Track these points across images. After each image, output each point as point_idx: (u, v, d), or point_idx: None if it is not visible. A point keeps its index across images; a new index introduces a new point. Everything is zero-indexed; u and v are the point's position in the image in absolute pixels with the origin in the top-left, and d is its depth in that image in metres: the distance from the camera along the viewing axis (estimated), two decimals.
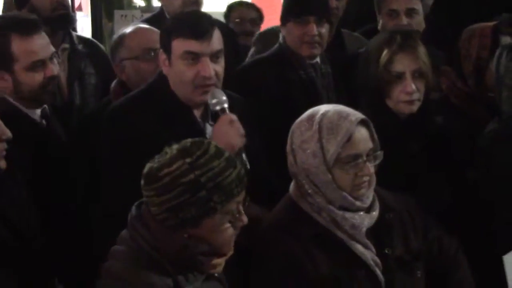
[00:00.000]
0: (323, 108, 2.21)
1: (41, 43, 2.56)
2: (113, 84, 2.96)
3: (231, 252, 1.93)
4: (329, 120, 2.15)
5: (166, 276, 1.83)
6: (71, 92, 3.28)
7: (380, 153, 2.19)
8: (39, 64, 2.53)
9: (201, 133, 2.38)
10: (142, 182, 1.85)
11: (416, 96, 2.54)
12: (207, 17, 2.47)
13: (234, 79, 2.98)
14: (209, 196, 1.80)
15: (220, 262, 1.92)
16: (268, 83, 3.00)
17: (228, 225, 1.85)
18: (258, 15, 4.64)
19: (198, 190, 1.79)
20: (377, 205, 2.22)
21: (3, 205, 1.88)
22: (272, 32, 3.85)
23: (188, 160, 1.81)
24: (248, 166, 2.32)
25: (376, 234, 2.20)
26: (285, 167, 2.31)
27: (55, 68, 2.60)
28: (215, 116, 2.41)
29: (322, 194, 2.16)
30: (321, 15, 3.03)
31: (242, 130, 2.36)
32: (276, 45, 3.16)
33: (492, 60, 2.73)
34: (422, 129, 2.59)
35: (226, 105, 2.40)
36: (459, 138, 2.66)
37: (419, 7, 3.35)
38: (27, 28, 2.54)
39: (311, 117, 2.19)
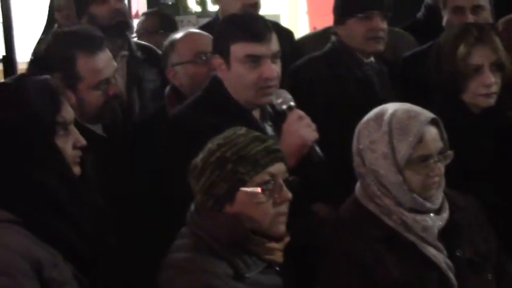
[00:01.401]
0: (391, 107, 2.16)
1: (106, 61, 2.54)
2: (167, 90, 2.97)
3: (287, 238, 1.97)
4: (399, 120, 2.10)
5: (226, 264, 1.89)
6: (130, 98, 3.31)
7: (450, 153, 2.13)
8: (104, 83, 2.52)
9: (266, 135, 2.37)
10: (189, 178, 1.96)
11: (494, 88, 2.51)
12: (262, 18, 2.48)
13: (289, 78, 2.97)
14: (235, 168, 1.89)
15: (277, 247, 1.96)
16: (323, 82, 2.97)
17: (263, 198, 1.90)
18: None
19: (224, 164, 1.89)
20: (446, 206, 2.17)
21: (74, 211, 1.89)
22: None
23: (216, 142, 1.93)
24: (323, 159, 2.33)
25: (445, 235, 2.15)
26: (340, 168, 2.28)
27: (118, 85, 2.62)
28: (282, 116, 2.40)
29: (391, 196, 2.11)
30: (384, 9, 2.99)
31: (313, 125, 2.36)
32: (328, 45, 3.11)
33: None
34: (495, 124, 2.54)
35: (292, 103, 2.40)
36: None
37: (485, 3, 3.24)
38: (92, 46, 2.51)
39: (379, 117, 2.14)
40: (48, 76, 2.03)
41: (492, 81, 2.49)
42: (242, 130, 1.97)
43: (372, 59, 3.06)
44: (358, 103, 2.83)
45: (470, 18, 3.18)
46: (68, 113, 1.98)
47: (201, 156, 1.95)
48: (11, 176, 1.85)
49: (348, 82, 2.99)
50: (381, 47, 3.00)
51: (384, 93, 3.00)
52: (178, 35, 2.97)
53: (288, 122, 2.35)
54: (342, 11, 3.05)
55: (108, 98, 2.54)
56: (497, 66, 2.51)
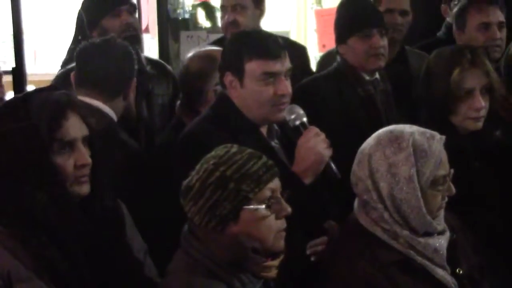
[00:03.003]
0: (405, 129, 2.14)
1: None
2: (178, 105, 2.96)
3: (282, 254, 1.96)
4: (421, 142, 2.09)
5: (223, 285, 1.88)
6: (139, 112, 3.32)
7: (452, 172, 2.15)
8: None
9: (272, 151, 2.37)
10: (181, 200, 1.93)
11: (483, 112, 2.54)
12: (273, 36, 2.48)
13: (294, 96, 2.98)
14: (238, 186, 1.87)
15: (273, 264, 1.95)
16: (327, 100, 2.99)
17: (267, 213, 1.89)
18: None
19: (226, 183, 1.87)
20: (446, 225, 2.19)
21: (60, 230, 1.86)
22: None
23: (212, 161, 1.90)
24: (339, 176, 2.33)
25: (447, 255, 2.15)
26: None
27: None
28: (295, 132, 2.41)
29: (403, 223, 2.09)
30: (382, 26, 3.03)
31: (328, 141, 2.37)
32: (334, 65, 3.14)
33: None
34: (484, 144, 2.57)
35: (305, 119, 2.42)
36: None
37: (504, 20, 3.27)
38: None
39: (396, 139, 2.11)
40: (61, 92, 2.00)
41: (482, 105, 2.52)
42: (234, 147, 1.96)
43: (377, 76, 3.07)
44: (361, 122, 2.84)
45: (498, 34, 3.18)
46: (72, 130, 1.94)
47: (195, 177, 1.92)
48: (4, 187, 1.84)
49: (351, 101, 3.00)
50: (382, 63, 3.03)
51: (387, 112, 3.02)
52: (215, 52, 2.83)
53: (305, 139, 2.37)
54: (342, 30, 3.08)
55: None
56: (487, 90, 2.53)
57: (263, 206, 1.89)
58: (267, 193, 1.90)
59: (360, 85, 3.02)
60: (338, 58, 3.11)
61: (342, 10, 3.13)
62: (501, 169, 2.54)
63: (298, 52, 3.66)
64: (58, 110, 1.91)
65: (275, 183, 1.93)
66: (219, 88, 2.72)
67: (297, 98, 2.90)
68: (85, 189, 1.96)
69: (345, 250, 2.16)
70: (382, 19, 3.11)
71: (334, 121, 2.90)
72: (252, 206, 1.88)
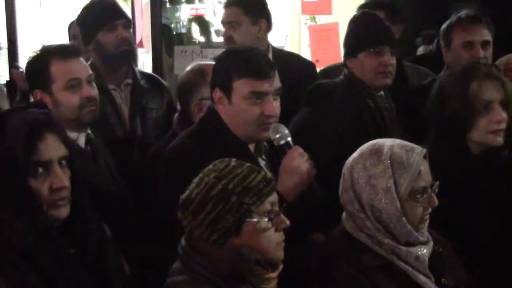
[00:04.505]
0: (385, 142, 2.19)
1: (78, 66, 2.68)
2: (176, 119, 2.96)
3: (281, 266, 1.98)
4: (399, 155, 2.13)
5: None
6: (133, 126, 3.33)
7: (437, 184, 2.17)
8: (75, 84, 2.64)
9: (260, 168, 2.37)
10: (179, 213, 1.93)
11: (503, 125, 2.51)
12: (266, 55, 2.49)
13: (309, 95, 3.02)
14: (241, 200, 1.88)
15: (273, 276, 1.96)
16: (344, 105, 2.99)
17: (268, 224, 1.91)
18: None
19: (228, 197, 1.88)
20: (430, 236, 2.22)
21: (39, 256, 1.79)
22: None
23: (213, 175, 1.91)
24: (321, 195, 2.37)
25: (430, 265, 2.18)
26: None
27: (92, 90, 2.70)
28: (279, 150, 2.42)
29: (385, 231, 2.14)
30: (394, 45, 3.04)
31: (311, 161, 2.38)
32: (340, 77, 3.13)
33: None
34: (493, 163, 2.56)
35: (289, 139, 2.42)
36: None
37: (490, 39, 3.30)
38: (66, 52, 2.68)
39: (376, 152, 2.16)
40: (39, 110, 1.93)
41: (503, 117, 2.49)
42: (233, 161, 1.97)
43: (382, 93, 3.09)
44: (371, 133, 2.82)
45: (481, 53, 3.20)
46: (47, 151, 1.85)
47: (195, 190, 1.91)
48: None
49: (364, 110, 3.00)
50: (389, 81, 3.03)
51: (392, 128, 3.02)
52: (207, 67, 2.80)
53: (289, 158, 2.37)
54: (354, 44, 3.07)
55: (82, 101, 2.64)
56: (504, 104, 2.51)
57: (265, 219, 1.90)
58: (267, 206, 1.92)
59: (371, 97, 3.03)
60: (345, 71, 3.10)
61: (354, 24, 3.12)
62: (509, 189, 2.51)
63: (307, 67, 3.70)
64: (34, 131, 1.84)
65: (274, 197, 1.95)
66: (204, 102, 2.75)
67: (313, 97, 2.92)
68: (63, 212, 1.88)
69: (330, 254, 2.20)
70: (394, 37, 3.11)
71: (347, 128, 2.90)
72: (254, 219, 1.89)
